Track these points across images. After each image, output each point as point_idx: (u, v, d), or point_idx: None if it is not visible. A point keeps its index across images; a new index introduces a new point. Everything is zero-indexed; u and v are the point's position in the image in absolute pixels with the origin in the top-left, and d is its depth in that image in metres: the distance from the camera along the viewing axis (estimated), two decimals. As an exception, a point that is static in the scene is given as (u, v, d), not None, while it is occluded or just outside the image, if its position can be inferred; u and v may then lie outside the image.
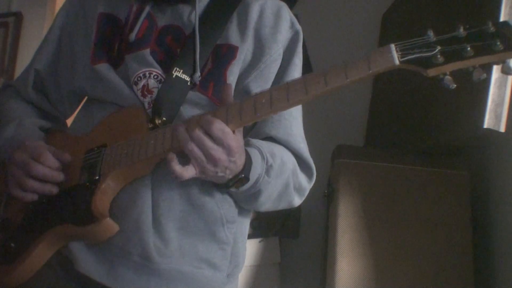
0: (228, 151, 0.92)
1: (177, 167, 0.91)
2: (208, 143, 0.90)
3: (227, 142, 0.91)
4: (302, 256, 2.62)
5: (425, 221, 1.96)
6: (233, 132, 0.93)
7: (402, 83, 2.35)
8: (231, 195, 1.08)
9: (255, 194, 1.04)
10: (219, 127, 0.90)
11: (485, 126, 1.60)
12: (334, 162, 2.14)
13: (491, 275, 1.95)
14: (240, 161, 0.95)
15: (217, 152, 0.91)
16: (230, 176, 0.96)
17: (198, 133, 0.90)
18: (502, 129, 1.60)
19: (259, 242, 2.39)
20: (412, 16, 2.44)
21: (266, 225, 2.41)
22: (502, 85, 1.57)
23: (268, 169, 1.02)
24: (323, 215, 2.32)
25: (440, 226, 1.95)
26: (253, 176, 0.99)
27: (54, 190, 1.04)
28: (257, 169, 1.00)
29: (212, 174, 0.94)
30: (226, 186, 0.99)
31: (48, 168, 1.03)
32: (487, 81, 1.53)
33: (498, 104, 1.60)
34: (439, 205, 1.98)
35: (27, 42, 2.68)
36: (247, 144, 1.04)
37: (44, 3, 2.74)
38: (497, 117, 1.60)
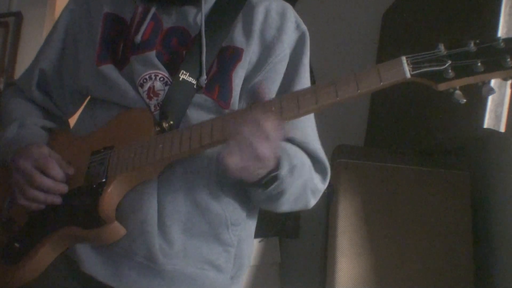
0: (275, 145, 0.90)
1: (230, 152, 0.88)
2: (276, 139, 0.88)
3: (277, 139, 0.89)
4: (302, 256, 2.62)
5: (425, 221, 1.96)
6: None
7: (402, 83, 2.35)
8: (241, 198, 1.07)
9: (278, 194, 1.02)
10: (273, 125, 0.88)
11: (485, 126, 1.60)
12: (334, 162, 2.14)
13: (491, 275, 1.95)
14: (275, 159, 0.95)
15: (266, 148, 0.88)
16: (264, 174, 0.95)
17: (256, 128, 0.87)
18: (502, 129, 1.60)
19: (259, 242, 2.39)
20: (412, 16, 2.44)
21: (266, 225, 2.41)
22: (502, 85, 1.57)
23: (292, 169, 1.01)
24: (323, 215, 2.31)
25: (440, 226, 1.95)
26: (281, 175, 0.98)
27: (58, 200, 1.03)
28: (283, 168, 0.99)
29: (252, 170, 0.92)
30: (258, 185, 0.98)
31: (51, 181, 1.02)
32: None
33: (498, 104, 1.60)
34: (439, 205, 1.98)
35: (27, 42, 2.68)
36: None
37: (44, 3, 2.73)
38: (497, 117, 1.60)
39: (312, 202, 1.14)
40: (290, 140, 1.10)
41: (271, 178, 0.97)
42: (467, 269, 1.91)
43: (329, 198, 2.15)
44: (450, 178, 2.01)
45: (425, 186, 2.01)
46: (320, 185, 1.14)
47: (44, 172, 1.02)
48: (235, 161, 0.88)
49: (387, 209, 1.98)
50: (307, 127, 1.13)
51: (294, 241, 2.62)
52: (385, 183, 2.02)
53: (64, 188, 1.03)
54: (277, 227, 2.49)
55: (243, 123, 0.89)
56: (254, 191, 1.02)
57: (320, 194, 1.15)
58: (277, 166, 0.96)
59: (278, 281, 2.46)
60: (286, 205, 1.08)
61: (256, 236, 1.21)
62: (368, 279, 1.90)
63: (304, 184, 1.08)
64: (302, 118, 1.07)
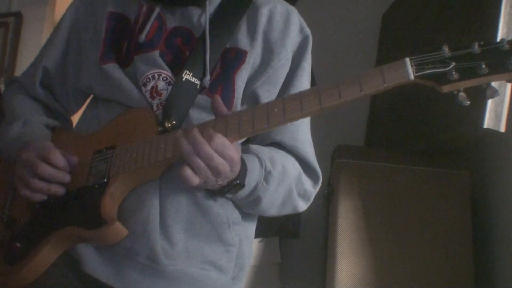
0: (230, 162, 0.92)
1: (189, 171, 0.91)
2: (217, 158, 0.91)
3: (228, 154, 0.91)
4: (302, 256, 2.62)
5: (425, 221, 1.96)
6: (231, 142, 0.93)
7: (405, 85, 2.34)
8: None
9: (254, 201, 1.04)
10: (220, 141, 0.91)
11: (485, 126, 1.61)
12: (334, 162, 2.14)
13: (491, 275, 1.95)
14: (238, 169, 0.96)
15: (222, 165, 0.92)
16: (225, 183, 0.97)
17: (208, 148, 0.90)
18: (502, 129, 1.61)
19: (259, 242, 2.39)
20: (412, 17, 2.44)
21: (266, 225, 2.41)
22: (502, 85, 1.57)
23: (266, 176, 1.02)
24: (323, 215, 2.31)
25: (440, 226, 1.95)
26: (250, 183, 1.00)
27: (61, 190, 1.03)
28: (254, 176, 1.00)
29: (213, 183, 0.95)
30: (222, 192, 0.99)
31: (53, 168, 1.02)
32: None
33: (498, 104, 1.60)
34: (439, 205, 1.98)
35: (27, 42, 2.68)
36: (247, 150, 1.04)
37: (44, 3, 2.74)
38: (497, 117, 1.60)
39: (302, 206, 1.14)
40: (279, 144, 1.11)
41: (235, 186, 0.98)
42: (467, 269, 1.90)
43: (329, 198, 2.15)
44: (450, 178, 2.01)
45: (425, 186, 2.01)
46: (311, 189, 1.14)
47: (47, 161, 1.02)
48: (193, 178, 0.92)
49: (387, 209, 1.98)
50: (297, 131, 1.12)
51: (294, 241, 2.62)
52: (385, 183, 2.02)
53: (66, 177, 1.03)
54: (277, 227, 2.49)
55: (196, 144, 0.91)
56: (220, 196, 1.04)
57: (312, 197, 1.15)
58: (238, 175, 0.97)
59: (278, 281, 2.46)
60: (272, 210, 1.09)
61: (256, 236, 1.21)
62: (368, 279, 1.90)
63: (288, 189, 1.08)
64: (294, 121, 1.08)
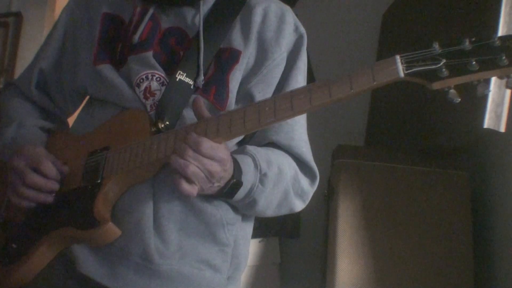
0: (220, 162, 0.93)
1: (186, 186, 0.91)
2: (207, 161, 0.91)
3: (218, 156, 0.92)
4: (302, 256, 2.62)
5: (425, 221, 1.96)
6: (220, 143, 0.93)
7: (402, 83, 2.34)
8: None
9: (250, 203, 1.04)
10: (208, 145, 0.91)
11: (485, 126, 1.60)
12: (334, 162, 2.14)
13: (491, 275, 1.95)
14: (230, 168, 0.96)
15: (213, 166, 0.92)
16: (223, 184, 0.97)
17: (194, 154, 0.90)
18: (502, 129, 1.61)
19: (259, 242, 2.39)
20: (412, 16, 2.44)
21: (266, 225, 2.41)
22: (502, 85, 1.57)
23: (262, 178, 1.02)
24: (323, 215, 2.32)
25: (440, 226, 1.95)
26: (246, 184, 0.99)
27: (49, 199, 1.04)
28: (249, 177, 1.00)
29: (209, 186, 0.95)
30: (220, 194, 0.99)
31: (42, 179, 1.03)
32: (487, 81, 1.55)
33: (498, 104, 1.60)
34: (439, 205, 1.98)
35: (27, 42, 2.68)
36: (243, 151, 1.04)
37: (44, 3, 2.74)
38: (497, 117, 1.60)
39: (299, 205, 1.14)
40: (275, 144, 1.11)
41: (233, 184, 0.97)
42: (467, 269, 1.90)
43: (329, 198, 2.15)
44: (450, 178, 2.01)
45: (425, 186, 2.01)
46: (308, 188, 1.14)
47: (37, 170, 1.03)
48: (192, 189, 0.91)
49: (387, 209, 1.98)
50: (292, 131, 1.12)
51: (294, 241, 2.62)
52: (385, 183, 2.02)
53: (54, 185, 1.04)
54: (277, 227, 2.49)
55: (182, 154, 0.91)
56: (223, 200, 1.04)
57: (309, 197, 1.15)
58: (233, 174, 0.97)
59: (278, 281, 2.46)
60: (269, 211, 1.09)
61: (256, 236, 1.21)
62: (368, 279, 1.90)
63: (285, 191, 1.08)
64: (288, 121, 1.09)
